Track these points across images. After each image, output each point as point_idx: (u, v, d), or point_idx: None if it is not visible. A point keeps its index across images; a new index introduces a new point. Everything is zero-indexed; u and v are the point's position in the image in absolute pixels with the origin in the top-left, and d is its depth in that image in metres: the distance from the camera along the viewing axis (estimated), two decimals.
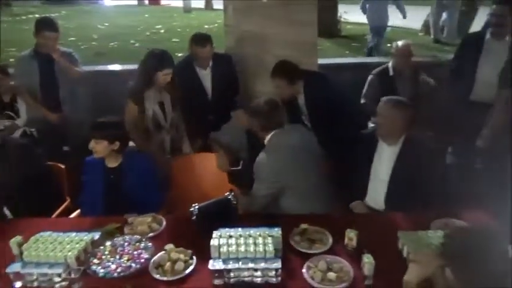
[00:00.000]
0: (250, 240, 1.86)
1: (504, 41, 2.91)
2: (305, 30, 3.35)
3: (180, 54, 4.21)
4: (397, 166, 2.40)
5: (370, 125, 3.71)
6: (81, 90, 3.60)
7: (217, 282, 1.79)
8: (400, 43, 3.61)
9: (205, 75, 3.30)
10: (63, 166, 2.88)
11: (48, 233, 1.99)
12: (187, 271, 1.84)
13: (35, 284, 1.81)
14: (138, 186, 2.48)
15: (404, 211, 2.26)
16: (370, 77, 3.70)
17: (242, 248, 1.82)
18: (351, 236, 1.94)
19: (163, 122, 2.96)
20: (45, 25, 3.39)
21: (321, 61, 3.90)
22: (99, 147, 2.38)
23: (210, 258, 1.83)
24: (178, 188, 2.84)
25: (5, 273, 1.82)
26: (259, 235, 1.90)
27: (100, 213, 2.46)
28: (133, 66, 4.61)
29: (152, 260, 1.88)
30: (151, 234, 2.12)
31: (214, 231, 1.94)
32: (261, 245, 1.83)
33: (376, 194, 2.48)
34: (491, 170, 2.86)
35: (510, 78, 2.58)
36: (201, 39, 3.19)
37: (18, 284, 1.82)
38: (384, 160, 2.45)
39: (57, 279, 1.80)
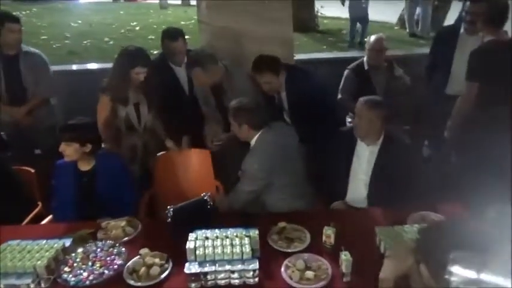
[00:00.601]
0: (227, 242, 1.83)
1: (478, 35, 2.95)
2: (280, 27, 3.31)
3: (156, 52, 4.11)
4: (377, 166, 2.40)
5: (348, 119, 3.73)
6: (51, 92, 3.47)
7: (193, 285, 1.75)
8: (373, 37, 3.62)
9: (181, 72, 3.23)
10: (33, 170, 2.77)
11: (17, 241, 1.91)
12: (163, 276, 1.80)
13: None
14: (112, 188, 2.42)
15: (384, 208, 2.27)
16: (346, 72, 3.71)
17: (219, 250, 1.79)
18: (328, 233, 1.93)
19: (136, 125, 2.84)
20: (6, 17, 3.24)
21: (298, 56, 3.89)
22: (69, 150, 2.30)
23: (186, 261, 1.79)
24: (162, 186, 2.82)
25: None
26: (236, 236, 1.88)
27: (72, 218, 2.37)
28: (107, 65, 4.56)
29: (126, 266, 1.83)
30: (126, 239, 2.06)
31: (190, 234, 1.90)
32: (237, 246, 1.81)
33: (357, 193, 2.48)
34: (459, 162, 2.91)
35: (470, 70, 2.62)
36: (172, 33, 3.11)
37: None
38: (364, 160, 2.45)
39: None
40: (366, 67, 3.63)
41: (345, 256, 1.74)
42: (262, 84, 2.86)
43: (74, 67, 4.99)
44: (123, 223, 2.14)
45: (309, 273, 1.76)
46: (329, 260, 1.86)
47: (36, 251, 1.83)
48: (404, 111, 3.35)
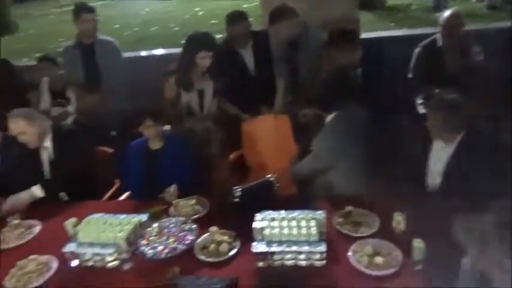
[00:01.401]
0: (294, 223, 1.84)
1: None
2: (345, 5, 3.20)
3: (220, 36, 4.18)
4: (454, 160, 2.19)
5: (418, 101, 3.52)
6: (123, 77, 3.68)
7: (261, 264, 1.79)
8: (447, 12, 3.34)
9: (246, 54, 3.23)
10: (111, 150, 2.99)
11: (100, 214, 2.08)
12: (232, 253, 1.86)
13: (89, 263, 1.92)
14: (179, 166, 2.54)
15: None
16: (417, 50, 3.48)
17: (285, 231, 1.80)
18: (398, 219, 1.86)
19: (198, 111, 2.88)
20: (83, 8, 3.47)
21: (362, 35, 3.73)
22: (155, 130, 2.50)
23: (253, 240, 1.83)
24: (248, 148, 3.06)
25: (62, 253, 1.95)
26: (303, 218, 1.88)
27: (145, 195, 2.53)
28: (171, 50, 4.71)
29: (197, 242, 1.92)
30: (195, 216, 2.16)
31: (257, 214, 1.94)
32: (304, 228, 1.81)
33: (431, 184, 2.31)
34: None
35: None
36: (235, 16, 3.13)
37: (74, 262, 1.93)
38: (440, 154, 2.25)
39: (109, 258, 1.89)
40: (439, 44, 3.38)
41: (417, 244, 1.67)
42: (337, 58, 2.75)
43: (143, 53, 5.22)
44: (192, 201, 2.24)
45: (379, 259, 1.72)
46: (399, 247, 1.80)
47: (116, 224, 1.98)
48: (482, 93, 3.08)
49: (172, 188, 2.32)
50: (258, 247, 1.78)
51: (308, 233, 1.79)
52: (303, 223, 1.84)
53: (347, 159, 2.30)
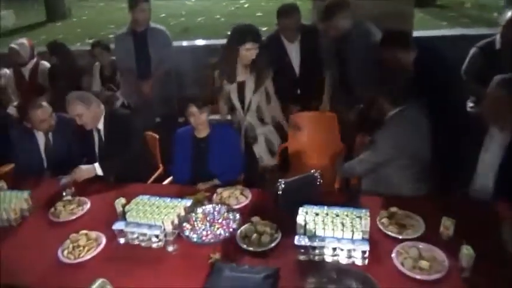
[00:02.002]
0: (337, 220, 1.84)
1: None
2: (399, 1, 3.10)
3: (265, 29, 4.18)
4: (510, 154, 2.12)
5: (469, 104, 3.37)
6: (172, 66, 3.77)
7: (302, 258, 1.80)
8: (510, 13, 3.16)
9: (293, 49, 3.22)
10: (157, 136, 3.08)
11: (147, 197, 2.16)
12: (273, 244, 1.88)
13: (136, 241, 2.00)
14: (224, 155, 2.59)
15: None
16: (473, 50, 3.31)
17: (329, 227, 1.80)
18: (447, 225, 1.81)
19: (237, 104, 2.83)
20: None
21: (415, 33, 3.61)
22: (203, 117, 2.55)
23: (294, 233, 1.85)
24: (294, 143, 3.09)
25: (110, 230, 2.05)
26: (346, 215, 1.87)
27: (189, 181, 2.60)
28: (213, 42, 4.76)
29: (239, 231, 1.95)
30: (237, 206, 2.19)
31: (300, 208, 1.94)
32: (348, 226, 1.80)
33: (483, 183, 2.21)
34: None
35: None
36: (287, 10, 3.10)
37: (122, 240, 2.02)
38: (495, 147, 2.18)
39: (154, 239, 1.96)
40: (497, 46, 3.21)
41: (466, 250, 1.62)
42: (390, 60, 2.67)
43: (184, 43, 5.29)
44: (235, 191, 2.28)
45: (424, 263, 1.68)
46: (445, 252, 1.74)
47: (163, 207, 2.06)
48: None
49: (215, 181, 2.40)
50: (300, 240, 1.79)
51: (352, 231, 1.78)
52: (347, 221, 1.83)
53: (405, 155, 2.26)
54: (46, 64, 4.23)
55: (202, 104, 2.56)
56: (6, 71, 4.28)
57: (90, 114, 2.67)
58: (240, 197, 2.25)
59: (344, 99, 3.06)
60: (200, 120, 2.58)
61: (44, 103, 2.82)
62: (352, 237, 1.77)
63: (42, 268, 1.95)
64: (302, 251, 1.79)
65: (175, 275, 1.82)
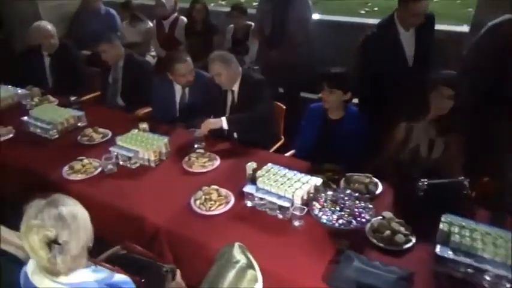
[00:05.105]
0: (489, 239, 1.64)
1: None
2: None
3: None
4: None
5: None
6: (310, 37, 3.69)
7: (440, 269, 1.65)
8: None
9: (407, 37, 2.87)
10: (284, 107, 3.07)
11: (277, 166, 2.16)
12: (406, 246, 1.76)
13: (263, 208, 2.03)
14: (353, 140, 2.46)
15: None
16: None
17: (478, 245, 1.61)
18: None
19: None
20: None
21: None
22: (332, 97, 2.42)
23: (429, 240, 1.71)
24: None
25: (238, 190, 2.11)
26: (500, 236, 1.65)
27: (311, 159, 2.54)
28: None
29: (371, 223, 1.86)
30: (366, 196, 2.08)
31: (441, 215, 1.77)
32: (502, 248, 1.59)
33: None
34: None
35: None
36: None
37: (250, 203, 2.07)
38: None
39: (282, 210, 1.96)
40: None
41: None
42: None
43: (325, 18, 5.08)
44: (366, 179, 2.17)
45: None
46: None
47: (295, 180, 2.04)
48: None
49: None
50: (442, 251, 1.64)
51: (506, 255, 1.57)
52: (501, 242, 1.62)
53: None
54: (184, 20, 4.47)
55: (336, 83, 2.44)
56: (150, 23, 4.63)
57: (228, 74, 2.74)
58: (370, 186, 2.13)
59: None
60: (335, 103, 2.47)
61: (188, 58, 2.96)
62: (506, 261, 1.56)
63: (173, 210, 2.08)
64: (441, 262, 1.64)
65: (299, 250, 1.80)
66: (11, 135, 2.84)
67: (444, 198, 1.89)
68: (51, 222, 1.24)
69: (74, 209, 1.31)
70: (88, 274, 1.32)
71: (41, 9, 4.86)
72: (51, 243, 1.23)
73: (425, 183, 1.91)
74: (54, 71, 3.74)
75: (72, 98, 3.12)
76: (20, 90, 3.40)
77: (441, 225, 1.71)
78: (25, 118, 2.90)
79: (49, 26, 3.65)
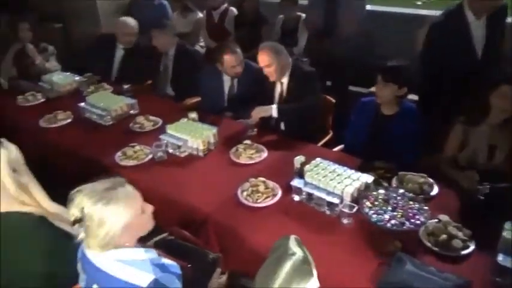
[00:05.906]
0: None
1: None
2: None
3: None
4: None
5: None
6: (362, 29, 3.57)
7: (500, 280, 1.54)
8: None
9: (478, 27, 2.66)
10: (333, 100, 2.99)
11: (327, 162, 2.11)
12: (464, 252, 1.66)
13: (311, 203, 1.99)
14: (406, 138, 2.36)
15: None
16: None
17: None
18: None
19: None
20: None
21: None
22: (385, 91, 2.32)
23: (490, 247, 1.59)
24: None
25: (285, 183, 2.08)
26: None
27: (360, 155, 2.46)
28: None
29: (425, 225, 1.77)
30: (420, 197, 1.98)
31: (505, 222, 1.65)
32: None
33: None
34: None
35: None
36: None
37: (297, 197, 2.04)
38: None
39: (331, 206, 1.92)
40: None
41: None
42: None
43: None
44: (420, 179, 2.07)
45: None
46: None
47: (345, 176, 1.99)
48: None
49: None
50: (504, 260, 1.53)
51: None
52: None
53: None
54: (234, 11, 4.47)
55: (392, 77, 2.34)
56: (200, 14, 4.67)
57: (278, 65, 2.70)
58: (425, 187, 2.03)
59: None
60: (389, 98, 2.36)
61: (238, 49, 2.95)
62: None
63: (221, 200, 2.09)
64: (502, 272, 1.53)
65: (347, 249, 1.76)
66: (69, 120, 2.98)
67: (507, 204, 1.76)
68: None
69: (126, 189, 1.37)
70: (141, 252, 1.36)
71: None
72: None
73: (488, 186, 1.79)
74: (125, 65, 3.72)
75: (125, 86, 3.23)
76: (77, 78, 3.55)
77: (504, 233, 1.59)
78: (82, 104, 3.03)
79: (133, 24, 3.64)
